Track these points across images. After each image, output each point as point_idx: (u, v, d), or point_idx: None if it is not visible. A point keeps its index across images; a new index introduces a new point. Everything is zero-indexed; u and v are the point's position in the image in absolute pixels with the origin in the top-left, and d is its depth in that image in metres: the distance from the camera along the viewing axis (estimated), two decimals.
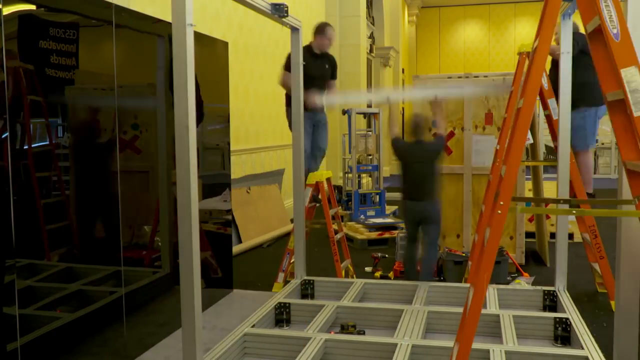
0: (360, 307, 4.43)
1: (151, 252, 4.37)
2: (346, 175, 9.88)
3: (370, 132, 9.87)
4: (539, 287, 4.87)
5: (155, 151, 4.42)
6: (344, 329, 4.15)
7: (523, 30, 22.02)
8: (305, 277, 5.12)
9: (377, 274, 5.83)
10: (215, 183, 5.39)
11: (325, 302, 4.50)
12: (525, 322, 4.12)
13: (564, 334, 4.02)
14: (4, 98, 2.98)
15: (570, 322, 4.01)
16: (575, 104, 4.90)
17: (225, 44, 5.38)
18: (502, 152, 5.22)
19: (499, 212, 2.28)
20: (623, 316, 3.10)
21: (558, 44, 4.61)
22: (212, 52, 5.18)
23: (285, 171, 9.26)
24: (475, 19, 22.69)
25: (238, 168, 7.71)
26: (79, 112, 3.73)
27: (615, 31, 2.17)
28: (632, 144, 2.26)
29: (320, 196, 5.49)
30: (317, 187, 5.42)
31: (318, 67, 6.69)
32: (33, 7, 3.28)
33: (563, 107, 4.67)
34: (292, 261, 5.34)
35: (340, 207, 8.83)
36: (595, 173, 14.95)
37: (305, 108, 5.28)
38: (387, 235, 7.35)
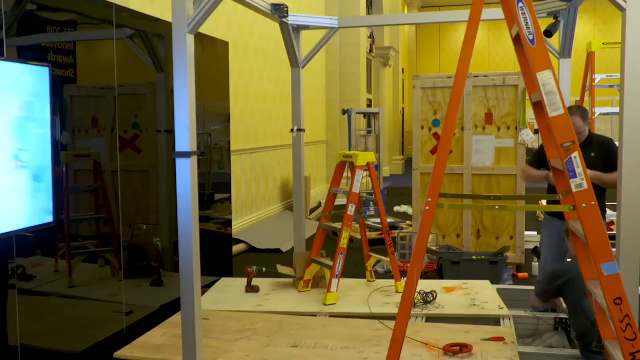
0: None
1: None
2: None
3: (370, 132, 9.87)
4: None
5: (155, 151, 4.42)
6: None
7: None
8: None
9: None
10: (215, 182, 5.40)
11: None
12: (525, 322, 4.12)
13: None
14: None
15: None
16: None
17: (226, 44, 5.39)
18: None
19: (427, 208, 2.43)
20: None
21: None
22: (212, 52, 5.18)
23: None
24: None
25: (238, 168, 7.71)
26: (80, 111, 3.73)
27: (531, 37, 2.26)
28: (552, 142, 2.39)
29: (370, 176, 4.72)
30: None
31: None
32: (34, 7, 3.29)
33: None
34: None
35: None
36: None
37: None
38: None
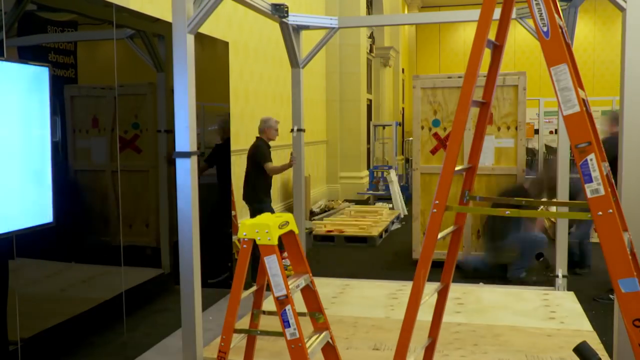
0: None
1: None
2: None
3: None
4: (539, 288, 4.88)
5: (155, 151, 4.42)
6: None
7: (523, 31, 21.98)
8: None
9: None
10: (216, 183, 5.39)
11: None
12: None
13: None
14: None
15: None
16: None
17: (226, 44, 5.38)
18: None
19: (434, 210, 2.35)
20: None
21: None
22: (212, 52, 5.18)
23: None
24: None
25: (238, 168, 7.70)
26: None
27: (545, 29, 2.11)
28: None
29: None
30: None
31: None
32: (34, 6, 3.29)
33: None
34: None
35: None
36: None
37: None
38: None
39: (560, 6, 4.39)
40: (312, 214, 9.84)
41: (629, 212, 3.07)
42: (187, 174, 3.16)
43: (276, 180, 9.32)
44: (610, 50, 20.31)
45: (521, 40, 20.56)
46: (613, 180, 2.16)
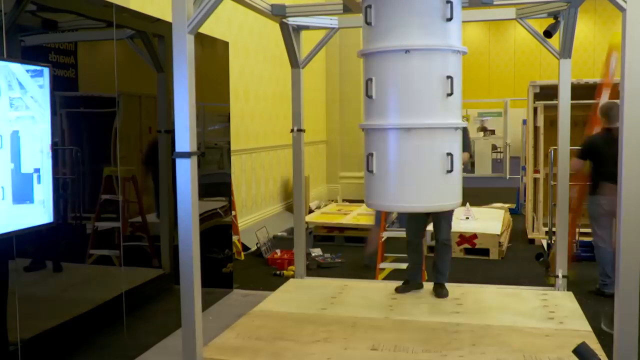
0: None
1: None
2: None
3: None
4: (538, 288, 4.88)
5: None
6: None
7: (523, 31, 21.93)
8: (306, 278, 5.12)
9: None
10: (215, 182, 5.39)
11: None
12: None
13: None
14: None
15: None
16: None
17: (226, 44, 5.38)
18: None
19: None
20: (623, 316, 3.09)
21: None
22: (212, 52, 5.18)
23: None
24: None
25: (238, 168, 7.71)
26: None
27: None
28: None
29: None
30: None
31: None
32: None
33: (563, 106, 4.66)
34: None
35: None
36: None
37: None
38: None
39: (560, 6, 4.39)
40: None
41: (629, 213, 3.07)
42: (187, 174, 3.16)
43: (276, 181, 9.32)
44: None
45: (521, 40, 20.57)
46: None
